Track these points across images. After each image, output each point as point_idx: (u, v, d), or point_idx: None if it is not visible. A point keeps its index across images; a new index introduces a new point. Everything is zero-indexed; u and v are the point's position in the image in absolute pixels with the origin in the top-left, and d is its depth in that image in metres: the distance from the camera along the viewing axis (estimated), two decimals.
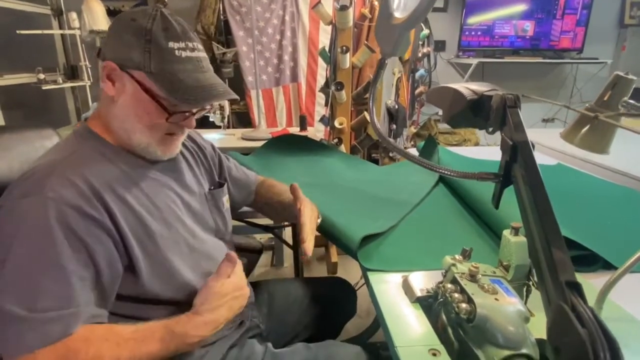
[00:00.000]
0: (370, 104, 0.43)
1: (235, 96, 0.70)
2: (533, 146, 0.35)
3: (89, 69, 2.84)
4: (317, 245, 2.50)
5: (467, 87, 0.47)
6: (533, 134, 2.13)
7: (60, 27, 3.10)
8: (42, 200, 0.56)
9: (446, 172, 0.44)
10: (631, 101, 0.70)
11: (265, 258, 2.22)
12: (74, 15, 2.68)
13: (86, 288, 0.58)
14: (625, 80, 0.70)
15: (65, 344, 0.54)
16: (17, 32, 2.52)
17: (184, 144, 0.83)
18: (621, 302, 0.70)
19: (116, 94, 0.66)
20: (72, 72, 3.10)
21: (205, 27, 3.07)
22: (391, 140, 0.48)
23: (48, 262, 0.55)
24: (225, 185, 0.89)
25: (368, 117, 2.18)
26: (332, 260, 2.02)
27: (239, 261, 0.72)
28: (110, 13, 3.32)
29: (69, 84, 2.92)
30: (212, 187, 0.85)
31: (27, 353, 0.52)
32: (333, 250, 2.06)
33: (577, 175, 1.49)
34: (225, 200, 0.87)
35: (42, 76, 2.66)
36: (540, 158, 1.77)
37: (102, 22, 1.92)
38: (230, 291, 0.68)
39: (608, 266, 0.82)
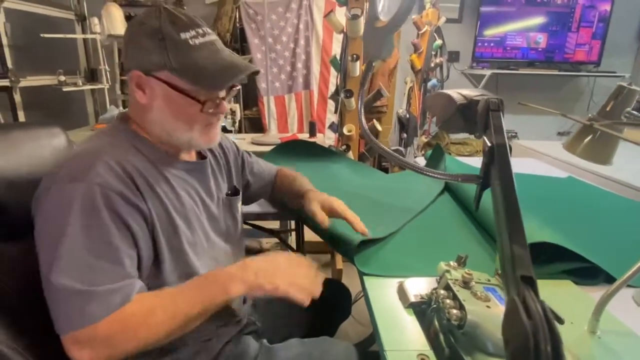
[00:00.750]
0: (359, 105, 0.44)
1: (256, 68, 0.71)
2: (510, 149, 0.35)
3: (107, 73, 2.92)
4: (322, 252, 2.49)
5: (459, 92, 0.48)
6: (547, 147, 2.12)
7: (84, 32, 3.21)
8: (90, 186, 0.58)
9: (430, 173, 0.45)
10: (634, 112, 0.69)
11: None
12: (95, 20, 2.77)
13: (133, 266, 0.61)
14: (628, 90, 0.69)
15: (123, 310, 0.57)
16: (41, 35, 2.62)
17: (209, 149, 0.86)
18: (622, 315, 0.68)
19: (148, 101, 0.68)
20: (92, 75, 3.19)
21: (222, 34, 3.13)
22: (374, 138, 0.48)
23: (101, 241, 0.58)
24: (241, 193, 0.90)
25: (378, 126, 2.18)
26: (337, 267, 2.01)
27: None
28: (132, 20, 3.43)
29: (88, 87, 3.01)
30: (229, 192, 0.87)
31: (92, 323, 0.55)
32: (338, 257, 2.06)
33: (587, 188, 1.46)
34: (240, 206, 0.89)
35: (62, 78, 2.75)
36: (552, 171, 1.75)
37: (120, 27, 1.99)
38: (271, 264, 0.66)
39: (611, 279, 0.80)
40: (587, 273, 0.82)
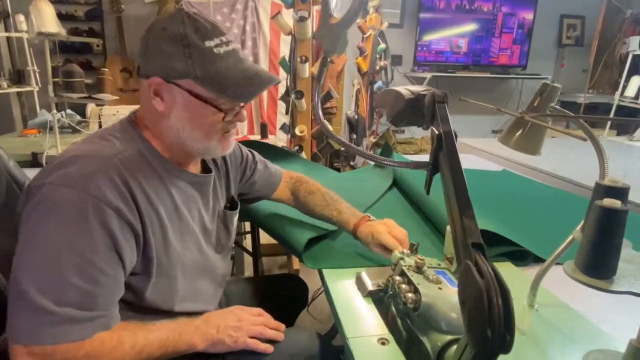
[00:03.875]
0: (316, 98, 0.46)
1: (278, 80, 0.70)
2: (456, 136, 0.39)
3: (36, 74, 2.70)
4: (278, 253, 2.48)
5: (407, 89, 0.51)
6: (484, 144, 2.29)
7: (7, 30, 2.94)
8: (86, 197, 0.55)
9: (388, 162, 0.48)
10: (557, 107, 0.78)
11: None
12: (21, 17, 2.55)
13: (109, 289, 0.58)
14: (551, 87, 0.78)
15: (78, 345, 0.54)
16: None
17: (214, 160, 0.83)
18: (554, 290, 0.76)
19: (166, 108, 0.65)
20: (18, 77, 2.93)
21: None
22: (333, 132, 0.51)
23: (81, 255, 0.55)
24: (238, 207, 0.88)
25: (329, 127, 2.22)
26: (294, 267, 2.02)
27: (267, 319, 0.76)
28: (63, 17, 3.20)
29: (14, 89, 2.76)
30: (227, 205, 0.85)
31: (56, 344, 0.52)
32: (295, 258, 2.07)
33: (518, 179, 1.61)
34: (235, 220, 0.87)
35: None
36: (488, 165, 1.89)
37: (51, 24, 1.84)
38: (232, 317, 0.71)
39: (539, 260, 0.89)
40: (518, 255, 0.90)
